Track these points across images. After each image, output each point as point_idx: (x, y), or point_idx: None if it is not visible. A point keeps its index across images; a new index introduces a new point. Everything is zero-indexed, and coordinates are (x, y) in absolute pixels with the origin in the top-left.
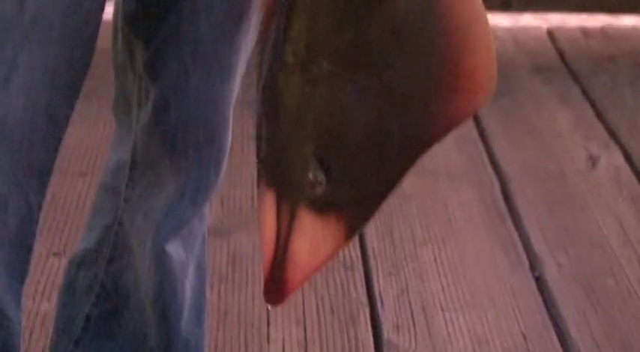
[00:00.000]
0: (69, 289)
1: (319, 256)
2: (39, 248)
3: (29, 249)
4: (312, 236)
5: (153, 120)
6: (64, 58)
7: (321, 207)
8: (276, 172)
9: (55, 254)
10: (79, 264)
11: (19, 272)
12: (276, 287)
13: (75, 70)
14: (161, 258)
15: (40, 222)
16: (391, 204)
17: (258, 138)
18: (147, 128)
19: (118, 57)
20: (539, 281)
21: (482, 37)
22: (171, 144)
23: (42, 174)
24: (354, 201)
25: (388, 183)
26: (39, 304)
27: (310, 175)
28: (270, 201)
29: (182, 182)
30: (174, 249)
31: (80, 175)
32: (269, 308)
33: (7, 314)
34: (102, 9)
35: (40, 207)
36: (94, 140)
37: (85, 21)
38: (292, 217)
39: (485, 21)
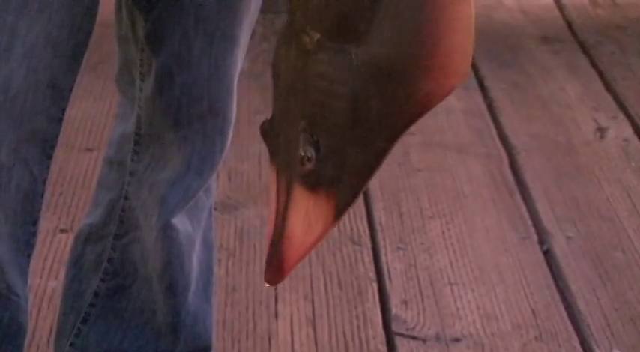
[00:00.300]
0: (76, 265)
1: (311, 235)
2: (46, 224)
3: (34, 223)
4: (305, 213)
5: (156, 92)
6: (65, 25)
7: (312, 183)
8: (276, 147)
9: (62, 230)
10: (86, 239)
11: (25, 246)
12: (274, 267)
13: (76, 38)
14: (167, 232)
15: (46, 197)
16: (399, 178)
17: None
18: (150, 100)
19: (121, 28)
20: (548, 255)
21: (463, 17)
22: (175, 116)
23: (45, 146)
24: (341, 178)
25: (371, 162)
26: (46, 281)
27: (301, 150)
28: (273, 176)
29: (187, 154)
30: (180, 222)
31: (86, 150)
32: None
33: (13, 289)
34: None
35: (44, 181)
36: (100, 114)
37: None
38: (289, 193)
39: (470, 3)
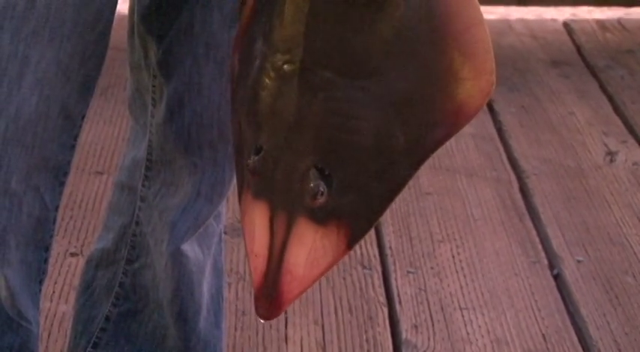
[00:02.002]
0: (87, 289)
1: (318, 267)
2: (56, 248)
3: (46, 249)
4: (311, 246)
5: (168, 118)
6: (77, 53)
7: (322, 217)
8: (271, 182)
9: (72, 254)
10: (98, 264)
11: (37, 273)
12: (270, 302)
13: (88, 66)
14: (177, 258)
15: (56, 222)
16: (409, 202)
17: (240, 148)
18: (162, 126)
19: (134, 54)
20: (558, 280)
21: (480, 40)
22: (186, 142)
23: (58, 174)
24: (356, 210)
25: (392, 191)
26: (57, 305)
27: (311, 185)
28: (261, 212)
29: (197, 181)
30: (190, 248)
31: (97, 173)
32: (262, 322)
33: (24, 315)
34: (115, 3)
35: (56, 208)
36: (110, 138)
37: (98, 16)
38: (289, 228)
39: (483, 23)
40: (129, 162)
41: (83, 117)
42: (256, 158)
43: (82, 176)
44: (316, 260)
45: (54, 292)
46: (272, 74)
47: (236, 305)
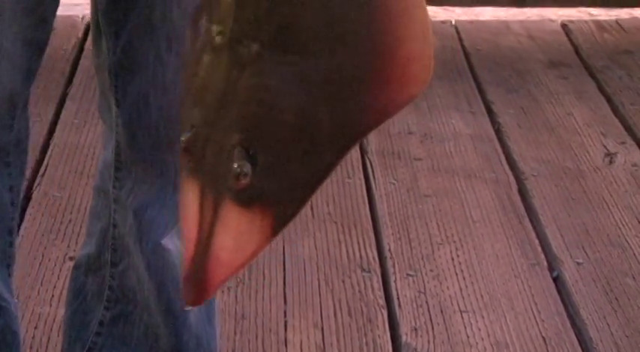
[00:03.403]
0: (79, 296)
1: (243, 253)
2: (55, 252)
3: (10, 233)
4: (236, 231)
5: (134, 117)
6: (18, 38)
7: (247, 200)
8: (200, 161)
9: (71, 258)
10: (87, 270)
11: (2, 256)
12: (196, 287)
13: (30, 50)
14: (159, 253)
15: (55, 225)
16: (407, 205)
17: (181, 124)
18: (128, 125)
19: (99, 55)
20: (558, 282)
21: (418, 23)
22: (155, 140)
23: (1, 154)
24: (281, 194)
25: (317, 176)
26: (56, 309)
27: (235, 165)
28: (193, 193)
29: (171, 175)
30: (171, 241)
31: (95, 177)
32: (186, 308)
33: (2, 296)
34: None
35: (11, 189)
36: None
37: (37, 1)
38: (216, 210)
39: (423, 7)
40: (101, 166)
41: (26, 100)
42: (188, 135)
43: (81, 180)
44: (241, 245)
45: (53, 296)
46: (206, 47)
47: (235, 309)
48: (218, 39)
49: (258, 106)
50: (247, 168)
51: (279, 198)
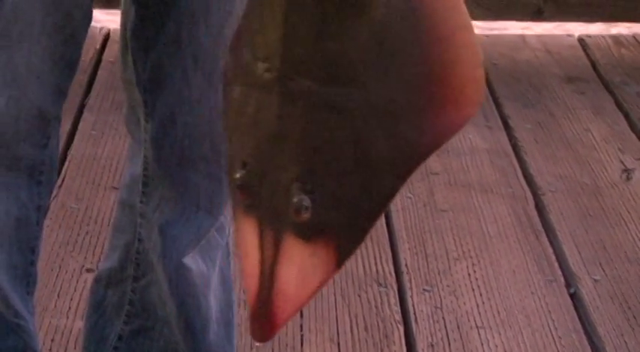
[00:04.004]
0: (98, 309)
1: (309, 286)
2: (72, 264)
3: (32, 251)
4: (300, 265)
5: (160, 133)
6: (47, 55)
7: (308, 233)
8: (257, 198)
9: (88, 270)
10: (107, 283)
11: (24, 274)
12: (264, 323)
13: (60, 67)
14: (181, 272)
15: (72, 237)
16: (424, 219)
17: (230, 162)
18: (155, 141)
19: (127, 70)
20: (575, 298)
21: (467, 45)
22: (180, 157)
23: (32, 173)
24: (343, 225)
25: (378, 205)
26: (72, 321)
27: (295, 200)
28: (251, 229)
29: (195, 194)
30: (193, 261)
31: (112, 189)
32: (257, 344)
33: (21, 314)
34: (87, 7)
35: (39, 208)
36: (126, 153)
37: (66, 17)
38: (277, 246)
39: (471, 28)
40: (128, 179)
41: (58, 118)
42: (242, 173)
43: (98, 191)
44: (306, 279)
45: (70, 308)
46: (253, 83)
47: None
48: (266, 76)
49: (314, 140)
50: (307, 201)
51: (341, 229)
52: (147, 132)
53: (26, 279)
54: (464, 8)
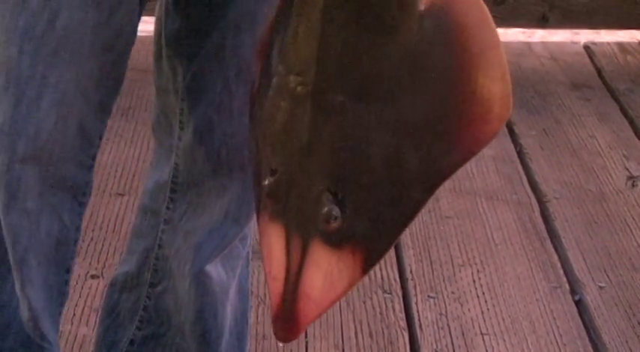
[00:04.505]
0: (111, 313)
1: (334, 291)
2: (76, 270)
3: (67, 271)
4: (327, 270)
5: (196, 141)
6: (95, 74)
7: (337, 241)
8: (286, 206)
9: (92, 276)
10: (122, 287)
11: (58, 294)
12: (287, 324)
13: (106, 86)
14: (201, 278)
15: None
16: (429, 226)
17: (257, 169)
18: (189, 149)
19: (161, 77)
20: (580, 305)
21: (497, 63)
22: (216, 165)
23: (76, 194)
24: (371, 234)
25: (406, 216)
26: (77, 327)
27: (325, 209)
28: (277, 234)
29: (225, 202)
30: (214, 268)
31: (117, 195)
32: (280, 345)
33: (47, 337)
34: (135, 24)
35: (77, 228)
36: (131, 159)
37: (117, 36)
38: (304, 251)
39: (500, 47)
40: (152, 186)
41: (101, 138)
42: (271, 180)
43: (103, 197)
44: (332, 283)
45: (74, 314)
46: (286, 95)
47: (256, 329)
48: (299, 89)
49: (346, 154)
50: (337, 211)
51: (369, 238)
52: (180, 140)
53: (60, 299)
54: (494, 27)
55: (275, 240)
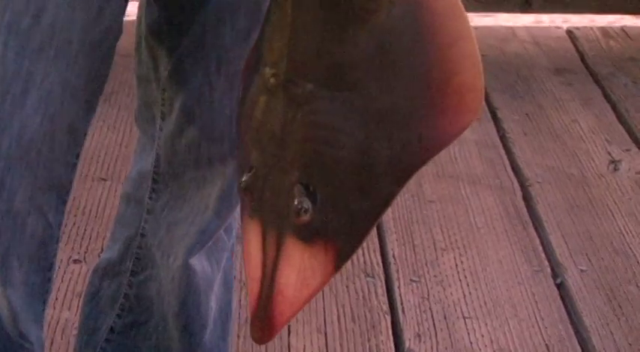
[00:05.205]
0: (92, 299)
1: (308, 288)
2: (59, 254)
3: (49, 268)
4: (300, 267)
5: (177, 132)
6: (84, 72)
7: (308, 235)
8: (261, 200)
9: (75, 261)
10: (103, 274)
11: (40, 292)
12: (264, 324)
13: (94, 83)
14: (185, 272)
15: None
16: (412, 210)
17: (239, 165)
18: (170, 139)
19: (142, 66)
20: (562, 289)
21: (468, 54)
22: (196, 156)
23: (61, 193)
24: (342, 228)
25: (376, 208)
26: (59, 312)
27: (296, 202)
28: (255, 231)
29: (206, 194)
30: (198, 262)
31: (100, 180)
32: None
33: (27, 337)
34: (121, 21)
35: (60, 225)
36: (114, 144)
37: (105, 35)
38: (279, 248)
39: (472, 38)
40: (135, 174)
41: (86, 134)
42: (248, 176)
43: (86, 182)
44: (306, 280)
45: (57, 299)
46: (262, 88)
47: (239, 313)
48: (273, 81)
49: (316, 144)
50: (307, 204)
51: (340, 232)
52: (162, 130)
53: (42, 297)
54: (466, 17)
55: (252, 238)
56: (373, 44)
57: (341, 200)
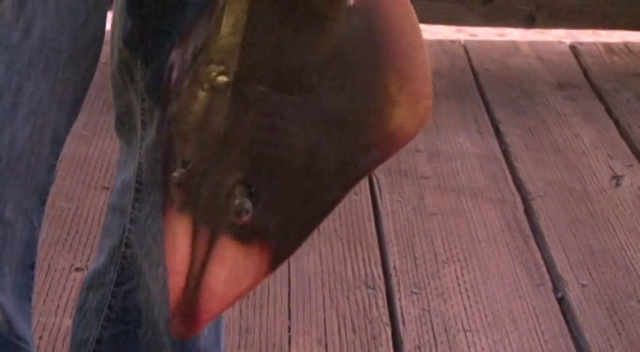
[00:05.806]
0: (80, 312)
1: (238, 287)
2: (61, 262)
3: (32, 267)
4: (233, 265)
5: (157, 141)
6: (72, 80)
7: (245, 236)
8: (195, 197)
9: (77, 269)
10: (89, 286)
11: (27, 291)
12: (186, 319)
13: (79, 91)
14: None
15: (61, 236)
16: (413, 222)
17: (167, 160)
18: (152, 148)
19: (118, 77)
20: (562, 303)
21: (419, 64)
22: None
23: (42, 194)
24: (282, 230)
25: (318, 214)
26: (61, 319)
27: (237, 203)
28: (184, 227)
29: None
30: None
31: (103, 189)
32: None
33: (23, 338)
34: (104, 27)
35: (40, 225)
36: (116, 153)
37: (92, 40)
38: (211, 245)
39: (423, 47)
40: (119, 184)
41: (66, 136)
42: (182, 171)
43: (89, 191)
44: (237, 279)
45: (58, 306)
46: (205, 85)
47: (240, 323)
48: (220, 79)
49: (263, 145)
50: (249, 205)
51: (279, 235)
52: (143, 139)
53: (29, 295)
54: (418, 27)
55: (181, 233)
56: (329, 50)
57: (284, 203)
